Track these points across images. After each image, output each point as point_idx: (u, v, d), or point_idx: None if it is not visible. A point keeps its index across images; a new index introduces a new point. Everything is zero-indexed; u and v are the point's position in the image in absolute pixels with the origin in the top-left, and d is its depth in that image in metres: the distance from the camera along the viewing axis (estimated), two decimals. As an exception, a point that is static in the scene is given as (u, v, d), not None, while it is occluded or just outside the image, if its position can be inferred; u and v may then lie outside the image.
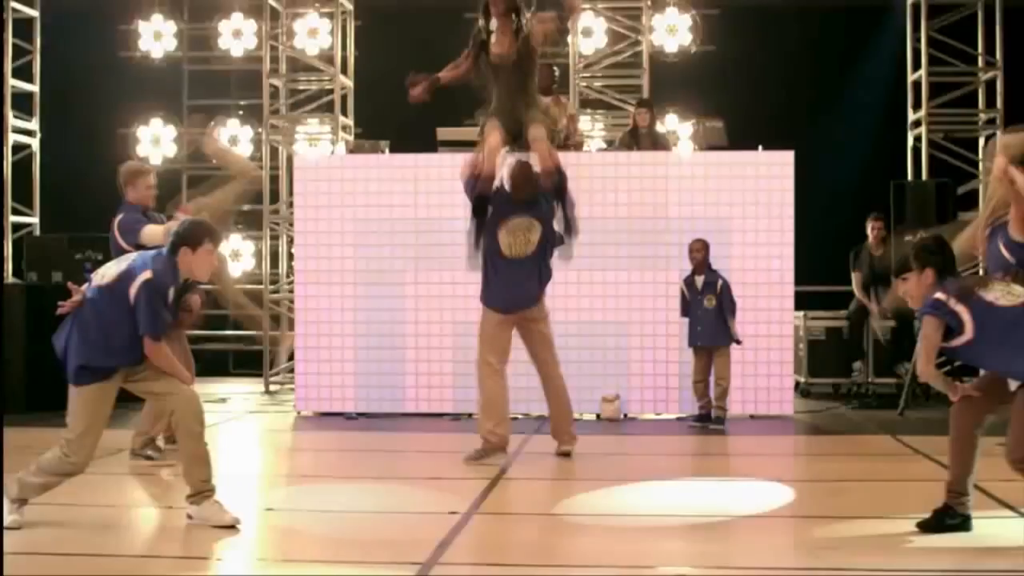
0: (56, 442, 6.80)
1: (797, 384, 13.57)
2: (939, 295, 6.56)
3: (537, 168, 9.39)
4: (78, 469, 6.82)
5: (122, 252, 8.74)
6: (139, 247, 8.77)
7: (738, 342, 11.20)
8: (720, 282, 11.21)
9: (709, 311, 11.16)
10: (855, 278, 13.31)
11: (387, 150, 12.47)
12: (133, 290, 6.65)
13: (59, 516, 6.99)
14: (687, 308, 11.32)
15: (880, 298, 12.86)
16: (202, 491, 6.84)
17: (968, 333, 6.49)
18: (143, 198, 9.15)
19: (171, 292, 6.76)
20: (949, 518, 6.61)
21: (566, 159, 11.82)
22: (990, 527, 6.73)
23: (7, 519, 6.68)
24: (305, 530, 7.03)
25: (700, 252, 11.25)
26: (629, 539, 6.83)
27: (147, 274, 6.68)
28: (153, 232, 8.83)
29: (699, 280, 11.25)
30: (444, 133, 12.43)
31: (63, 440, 6.74)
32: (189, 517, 6.86)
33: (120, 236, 8.94)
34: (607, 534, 6.93)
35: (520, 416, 11.14)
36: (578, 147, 12.63)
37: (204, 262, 6.88)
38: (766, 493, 8.23)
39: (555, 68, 12.98)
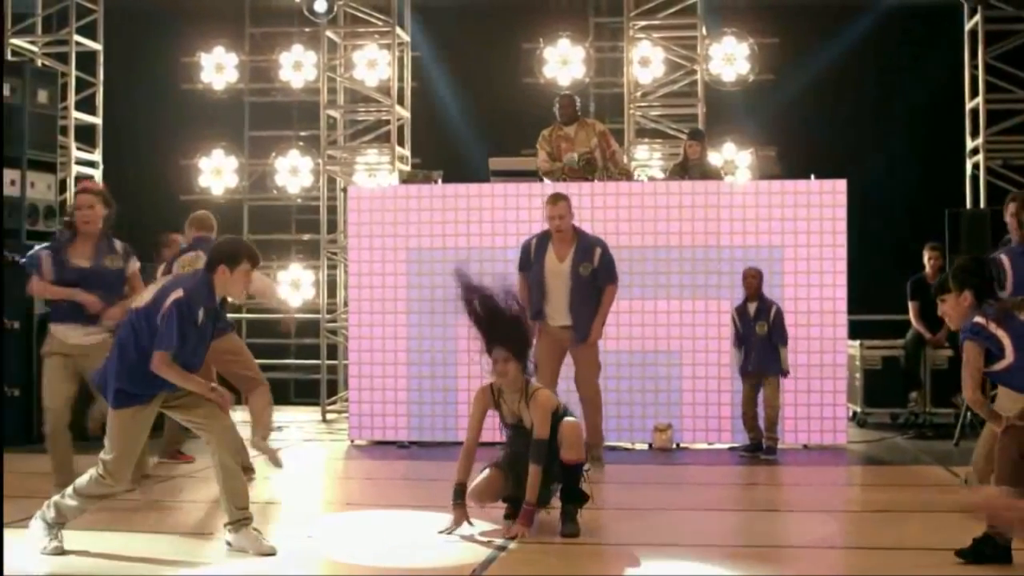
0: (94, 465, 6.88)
1: (854, 414, 13.45)
2: (979, 319, 6.49)
3: None
4: (114, 491, 6.90)
5: None
6: None
7: (785, 373, 11.12)
8: (774, 308, 11.14)
9: (761, 337, 11.09)
10: (912, 307, 13.17)
11: (440, 180, 12.51)
12: (165, 307, 6.69)
13: (96, 541, 7.06)
14: (739, 338, 11.26)
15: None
16: (239, 519, 6.87)
17: (1009, 357, 6.42)
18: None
19: (201, 312, 6.76)
20: (989, 548, 6.51)
21: (617, 188, 11.95)
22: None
23: (49, 545, 6.77)
24: (343, 558, 7.04)
25: (755, 279, 11.18)
26: (679, 567, 6.79)
27: (179, 292, 6.72)
28: None
29: (751, 307, 11.17)
30: (496, 163, 12.50)
31: (100, 462, 6.82)
32: (228, 544, 6.91)
33: None
34: (655, 562, 6.89)
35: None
36: (628, 176, 12.57)
37: (240, 282, 6.90)
38: (816, 523, 8.16)
39: (576, 97, 12.75)
